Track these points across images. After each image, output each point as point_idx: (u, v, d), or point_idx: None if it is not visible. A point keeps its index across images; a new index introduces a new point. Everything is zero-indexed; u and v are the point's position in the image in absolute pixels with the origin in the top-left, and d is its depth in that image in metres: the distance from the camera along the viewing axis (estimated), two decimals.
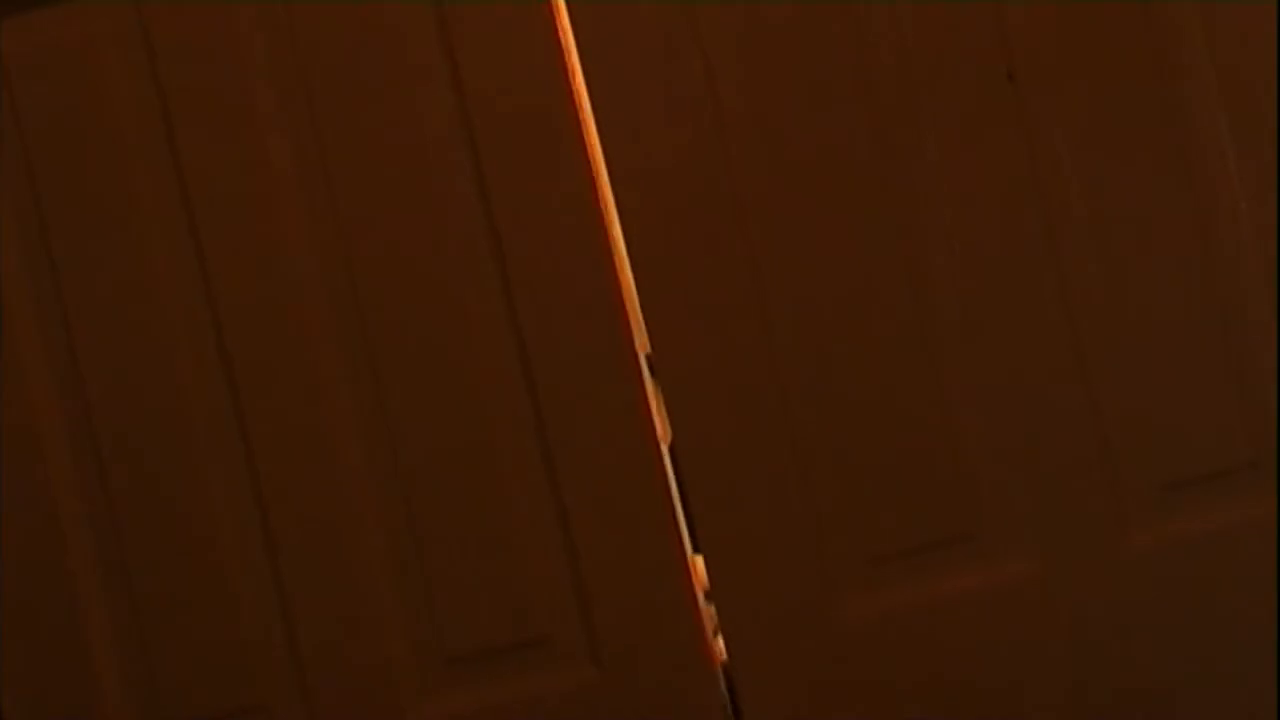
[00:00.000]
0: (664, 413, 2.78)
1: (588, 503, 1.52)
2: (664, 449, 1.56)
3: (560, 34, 1.58)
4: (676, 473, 1.55)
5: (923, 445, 1.55)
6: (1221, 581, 1.55)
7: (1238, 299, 1.57)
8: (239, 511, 1.54)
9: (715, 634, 2.44)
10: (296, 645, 1.55)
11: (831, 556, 1.54)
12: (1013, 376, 1.57)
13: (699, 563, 2.71)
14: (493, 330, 1.53)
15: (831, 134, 1.57)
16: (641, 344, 1.58)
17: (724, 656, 2.40)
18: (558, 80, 1.55)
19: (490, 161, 1.54)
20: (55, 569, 1.54)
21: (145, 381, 1.56)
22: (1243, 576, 1.56)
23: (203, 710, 1.58)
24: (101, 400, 1.54)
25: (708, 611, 2.51)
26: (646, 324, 1.56)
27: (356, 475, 1.55)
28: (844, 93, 1.55)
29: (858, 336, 1.56)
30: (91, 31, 1.58)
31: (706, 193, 1.56)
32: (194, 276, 1.55)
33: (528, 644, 1.54)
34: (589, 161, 1.55)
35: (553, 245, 1.54)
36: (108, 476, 1.54)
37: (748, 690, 1.54)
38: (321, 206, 1.54)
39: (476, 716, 1.58)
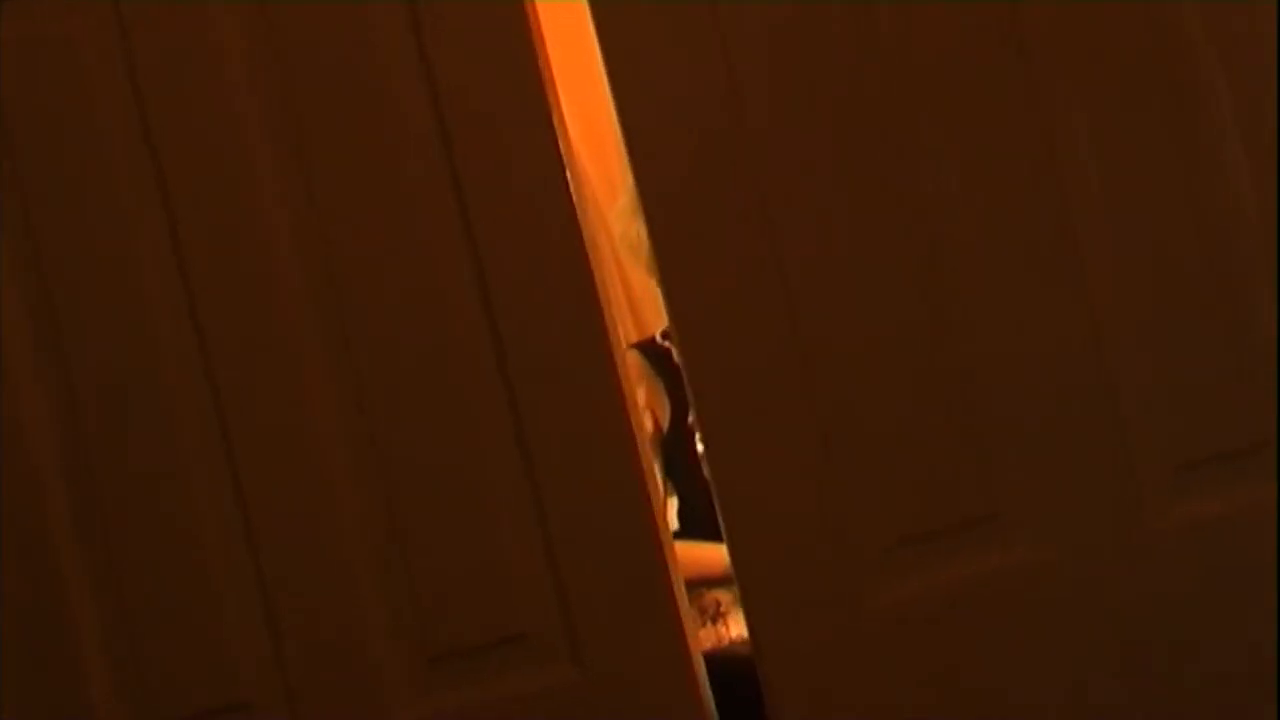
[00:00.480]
0: (662, 402, 2.79)
1: (566, 500, 1.51)
2: (643, 443, 1.55)
3: (533, 30, 1.56)
4: (705, 459, 1.54)
5: (944, 426, 1.53)
6: (1237, 562, 1.54)
7: (1250, 279, 1.55)
8: (223, 514, 1.51)
9: (715, 620, 2.44)
10: (280, 644, 1.52)
11: (855, 540, 1.52)
12: (1031, 357, 1.54)
13: (693, 550, 2.71)
14: (471, 331, 1.51)
15: (846, 114, 1.54)
16: (619, 337, 1.57)
17: (720, 644, 2.40)
18: (531, 75, 1.52)
19: (463, 156, 1.52)
20: (45, 571, 1.53)
21: (131, 381, 1.54)
22: (1259, 556, 1.55)
23: (189, 707, 1.53)
24: (88, 402, 1.53)
25: (715, 596, 2.51)
26: (670, 310, 1.53)
27: (339, 477, 1.53)
28: (857, 73, 1.53)
29: (878, 319, 1.54)
30: (70, 22, 1.56)
31: (727, 178, 1.53)
32: (174, 274, 1.52)
33: (509, 640, 1.53)
34: (562, 156, 1.52)
35: (527, 242, 1.51)
36: (96, 481, 1.54)
37: (775, 674, 1.53)
38: (300, 201, 1.52)
39: (460, 714, 1.53)
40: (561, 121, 1.54)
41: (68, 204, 1.52)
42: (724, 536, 1.53)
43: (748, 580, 1.52)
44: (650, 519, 1.51)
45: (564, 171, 1.51)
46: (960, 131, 1.53)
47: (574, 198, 1.53)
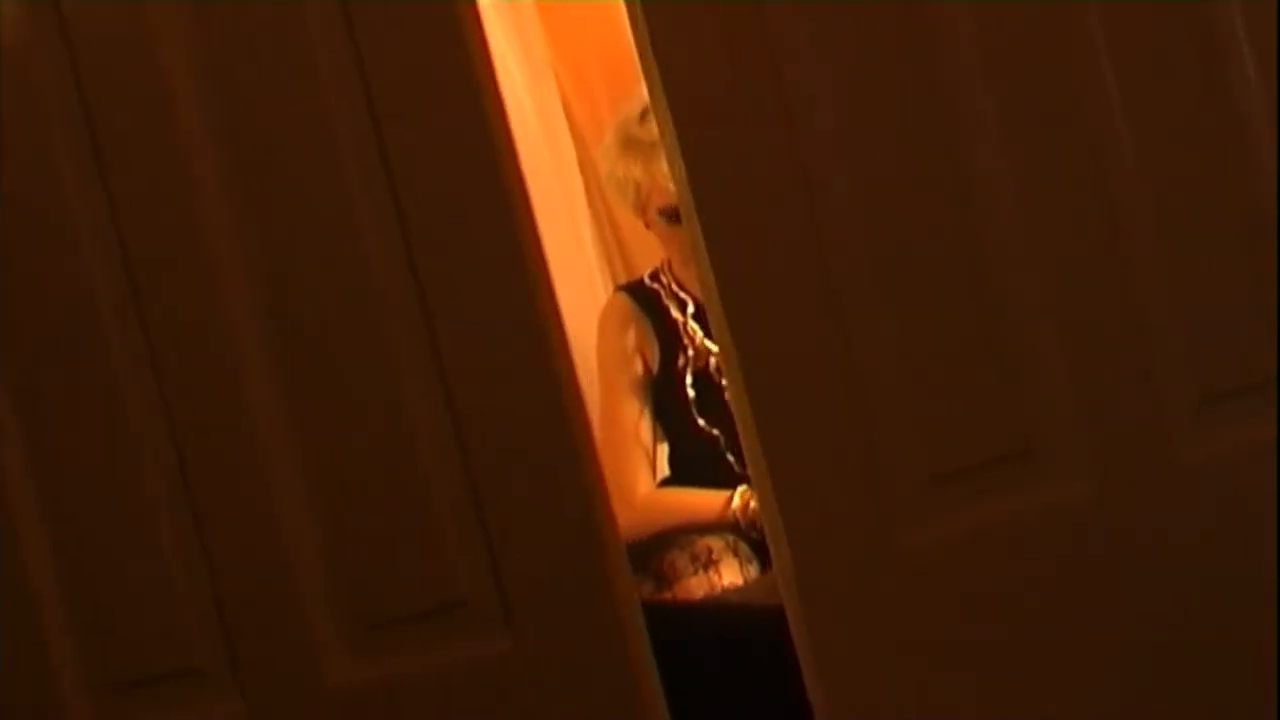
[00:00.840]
0: (652, 345, 2.75)
1: (497, 465, 1.53)
2: (581, 406, 1.57)
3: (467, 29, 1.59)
4: (748, 399, 1.58)
5: (975, 362, 1.55)
6: (1263, 494, 1.53)
7: (1273, 211, 1.56)
8: (170, 488, 1.57)
9: (707, 568, 2.42)
10: (223, 611, 1.58)
11: (889, 478, 1.55)
12: (1061, 289, 1.56)
13: (684, 496, 2.68)
14: (404, 309, 1.54)
15: (878, 43, 1.56)
16: (554, 297, 1.61)
17: (712, 591, 2.38)
18: (463, 66, 1.55)
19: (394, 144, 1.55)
20: (6, 546, 1.57)
21: (74, 360, 1.57)
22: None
23: (144, 672, 1.59)
24: (39, 376, 1.57)
25: (706, 543, 2.49)
26: (710, 255, 1.55)
27: (281, 451, 1.56)
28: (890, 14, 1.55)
29: (910, 258, 1.56)
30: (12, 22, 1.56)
31: (759, 109, 1.54)
32: (117, 255, 1.55)
33: (448, 608, 1.56)
34: (495, 141, 1.55)
35: (459, 229, 1.53)
36: (54, 460, 1.57)
37: (816, 614, 1.54)
38: (240, 198, 1.56)
39: (399, 682, 1.57)
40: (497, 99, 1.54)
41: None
42: (767, 477, 1.53)
43: (790, 519, 1.53)
44: (587, 486, 1.53)
45: (496, 146, 1.52)
46: (993, 69, 1.53)
47: (504, 170, 1.53)
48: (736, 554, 2.39)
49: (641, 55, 1.56)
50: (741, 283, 1.52)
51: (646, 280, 2.64)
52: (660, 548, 2.42)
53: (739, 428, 1.56)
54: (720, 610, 2.27)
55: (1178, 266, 1.55)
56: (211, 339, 1.55)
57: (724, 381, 2.62)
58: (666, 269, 2.61)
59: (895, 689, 1.51)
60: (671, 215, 2.50)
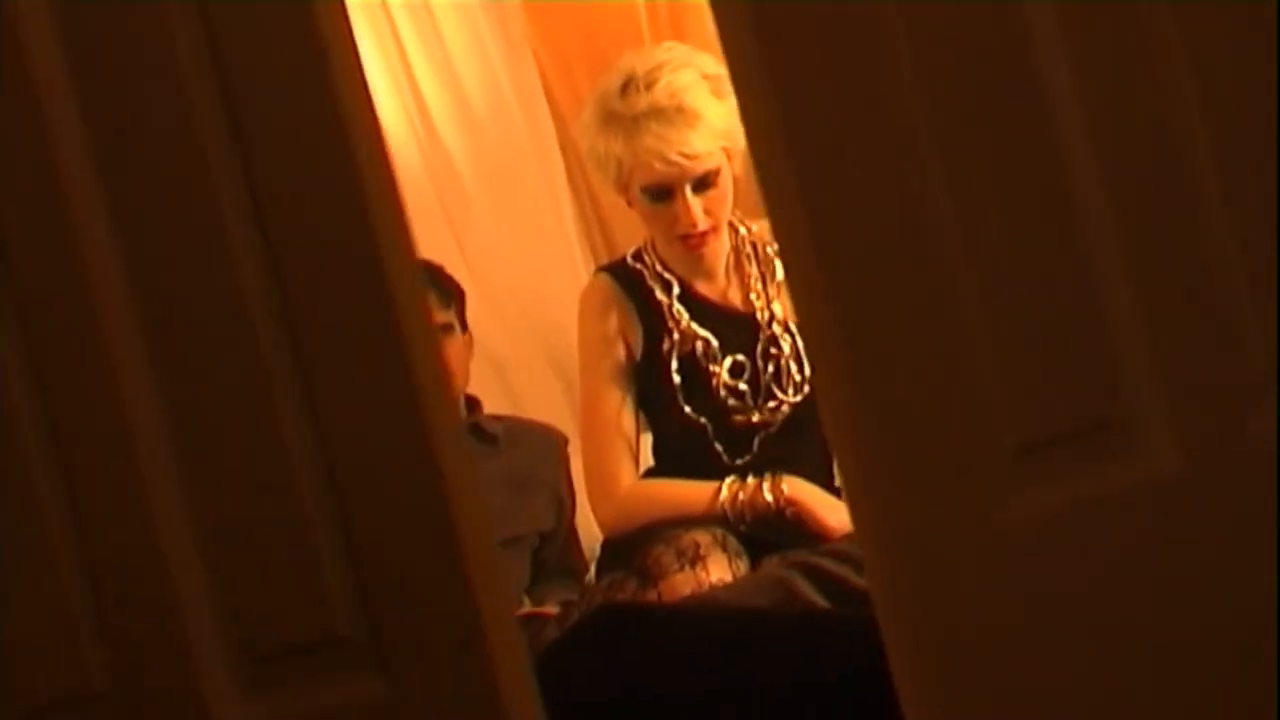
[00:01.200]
0: (635, 329, 2.68)
1: (367, 503, 1.59)
2: (448, 442, 1.54)
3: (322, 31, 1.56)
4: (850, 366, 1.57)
5: (1066, 326, 1.55)
6: None
7: None
8: (62, 516, 1.61)
9: (694, 564, 2.33)
10: (122, 633, 1.63)
11: (982, 449, 1.54)
12: (1143, 251, 1.57)
13: (669, 488, 2.60)
14: (279, 355, 1.58)
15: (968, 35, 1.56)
16: (424, 323, 1.63)
17: (700, 588, 2.30)
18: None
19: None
20: None
21: None
22: None
23: (46, 695, 1.64)
24: None
25: (693, 538, 2.41)
26: (808, 212, 1.56)
27: (163, 474, 1.60)
28: None
29: (1002, 223, 1.55)
30: None
31: (861, 85, 1.55)
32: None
33: (328, 645, 1.60)
34: (352, 144, 1.54)
35: (316, 229, 1.55)
36: None
37: (907, 600, 1.53)
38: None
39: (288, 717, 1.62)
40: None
41: None
42: (859, 455, 1.52)
43: (892, 492, 1.52)
44: (460, 532, 1.55)
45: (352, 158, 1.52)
46: (1075, 54, 1.55)
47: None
48: (725, 549, 2.31)
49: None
50: (841, 251, 1.52)
51: (629, 260, 2.54)
52: (644, 542, 2.33)
53: (820, 401, 1.54)
54: (708, 610, 2.20)
55: (1258, 228, 1.56)
56: (96, 373, 1.59)
57: (711, 367, 2.59)
58: (650, 248, 2.50)
59: (984, 673, 1.51)
60: (655, 193, 2.41)
